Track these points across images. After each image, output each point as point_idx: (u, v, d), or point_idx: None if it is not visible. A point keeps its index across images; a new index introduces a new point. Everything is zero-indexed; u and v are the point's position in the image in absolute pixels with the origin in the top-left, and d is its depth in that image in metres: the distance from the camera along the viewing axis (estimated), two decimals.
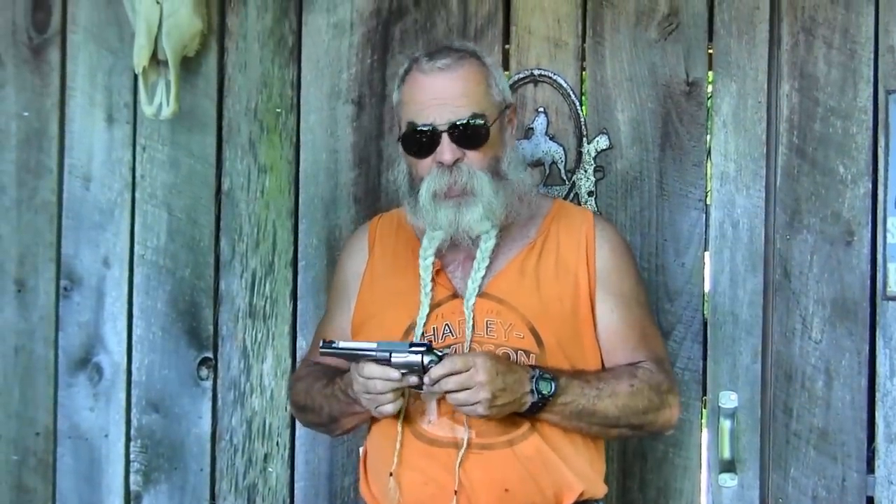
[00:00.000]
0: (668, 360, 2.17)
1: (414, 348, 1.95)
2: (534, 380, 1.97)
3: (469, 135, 2.02)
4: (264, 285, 2.71)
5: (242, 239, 2.73)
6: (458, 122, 2.01)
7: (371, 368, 1.95)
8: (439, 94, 2.02)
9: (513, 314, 2.07)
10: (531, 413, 2.00)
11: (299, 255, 2.71)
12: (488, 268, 2.10)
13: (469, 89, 2.03)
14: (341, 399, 2.10)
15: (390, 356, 1.94)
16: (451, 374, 1.93)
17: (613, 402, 2.04)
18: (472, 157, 2.04)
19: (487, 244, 2.08)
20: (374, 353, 1.95)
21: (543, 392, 1.97)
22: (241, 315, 2.72)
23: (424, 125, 2.02)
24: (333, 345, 1.99)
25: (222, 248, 2.73)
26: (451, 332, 2.07)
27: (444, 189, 2.03)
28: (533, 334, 2.06)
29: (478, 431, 2.02)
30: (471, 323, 2.05)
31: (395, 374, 1.94)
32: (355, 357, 1.98)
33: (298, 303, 2.71)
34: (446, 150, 2.02)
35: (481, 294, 2.08)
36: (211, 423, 2.73)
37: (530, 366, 2.02)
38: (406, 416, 2.06)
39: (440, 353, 1.95)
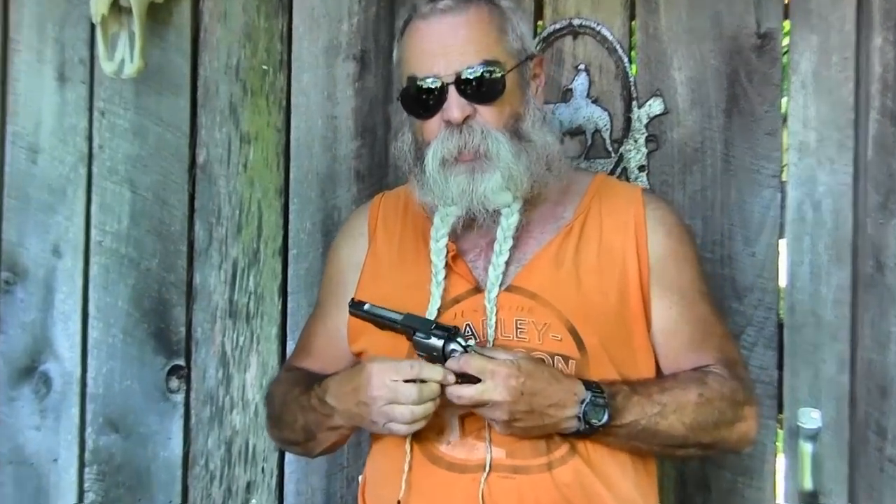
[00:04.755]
0: (742, 363, 2.08)
1: (437, 331, 1.88)
2: (583, 404, 1.87)
3: (480, 87, 1.92)
4: (247, 279, 2.63)
5: (221, 223, 2.64)
6: (466, 72, 1.92)
7: (430, 371, 1.85)
8: (443, 40, 1.94)
9: (548, 312, 1.95)
10: (577, 436, 1.91)
11: (290, 243, 2.63)
12: (517, 256, 2.00)
13: (478, 35, 1.95)
14: (318, 409, 2.01)
15: (414, 334, 1.90)
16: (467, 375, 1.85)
17: (679, 419, 1.94)
18: (486, 113, 1.94)
19: (510, 220, 1.97)
20: (397, 325, 1.92)
21: (593, 423, 1.88)
22: (220, 314, 2.64)
23: (427, 77, 1.93)
24: (364, 307, 1.96)
25: (197, 233, 2.65)
26: (472, 332, 1.95)
27: (453, 153, 1.93)
28: (573, 336, 1.94)
29: (509, 451, 1.91)
30: (493, 320, 1.94)
31: (451, 377, 1.84)
32: (379, 325, 1.94)
33: (288, 299, 2.63)
34: (454, 105, 1.92)
35: (509, 288, 1.97)
36: (182, 445, 2.65)
37: (583, 383, 1.89)
38: (418, 435, 1.94)
39: (464, 344, 1.86)
